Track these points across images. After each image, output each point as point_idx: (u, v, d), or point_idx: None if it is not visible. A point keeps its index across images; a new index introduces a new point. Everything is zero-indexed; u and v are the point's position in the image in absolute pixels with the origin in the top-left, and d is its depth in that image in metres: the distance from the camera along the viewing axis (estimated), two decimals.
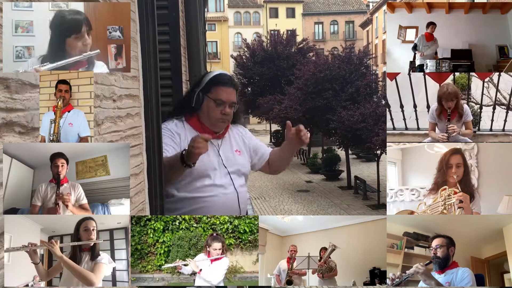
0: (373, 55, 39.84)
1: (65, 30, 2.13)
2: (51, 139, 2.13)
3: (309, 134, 3.53)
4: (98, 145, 2.38)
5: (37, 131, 1.96)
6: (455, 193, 3.05)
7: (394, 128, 4.09)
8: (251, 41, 47.69)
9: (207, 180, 3.38)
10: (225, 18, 69.03)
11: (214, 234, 2.97)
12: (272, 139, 42.30)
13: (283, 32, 44.56)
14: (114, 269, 2.46)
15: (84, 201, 2.35)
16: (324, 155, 29.39)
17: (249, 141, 3.77)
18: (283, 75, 39.03)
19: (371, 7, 62.14)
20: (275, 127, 43.42)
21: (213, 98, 3.45)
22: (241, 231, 3.23)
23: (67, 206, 2.30)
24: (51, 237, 2.39)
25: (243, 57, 43.50)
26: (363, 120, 22.22)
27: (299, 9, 71.47)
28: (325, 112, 26.38)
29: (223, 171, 3.45)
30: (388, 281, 2.86)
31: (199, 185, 3.37)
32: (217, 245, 2.91)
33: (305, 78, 28.29)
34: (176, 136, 3.44)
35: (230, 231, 3.22)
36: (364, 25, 65.04)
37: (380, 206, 20.44)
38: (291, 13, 71.46)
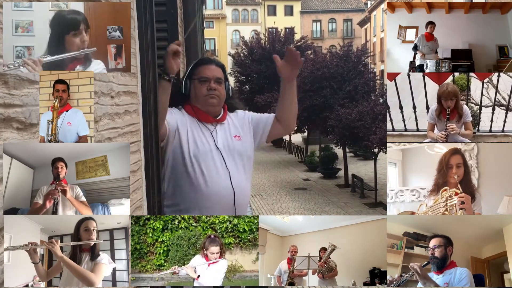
0: (371, 53, 39.91)
1: (63, 27, 2.15)
2: (49, 139, 2.13)
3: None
4: (98, 145, 2.39)
5: (35, 127, 1.96)
6: (456, 194, 3.04)
7: (393, 129, 4.09)
8: (249, 38, 47.69)
9: (203, 164, 3.37)
10: (223, 16, 69.01)
11: (212, 236, 2.93)
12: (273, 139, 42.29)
13: (281, 30, 44.58)
14: (114, 269, 2.46)
15: (83, 199, 2.36)
16: (322, 153, 29.39)
17: (249, 118, 3.76)
18: None
19: (369, 5, 62.11)
20: None
21: (197, 77, 3.54)
22: (241, 230, 3.23)
23: (65, 193, 2.30)
24: (51, 237, 2.39)
25: (241, 54, 43.50)
26: (361, 118, 22.25)
27: (297, 7, 71.49)
28: (323, 110, 26.40)
29: (220, 156, 3.45)
30: (389, 277, 2.86)
31: (194, 170, 3.37)
32: (214, 249, 2.88)
33: (303, 76, 28.26)
34: (172, 112, 3.46)
35: (229, 230, 3.22)
36: (362, 23, 65.05)
37: (377, 205, 20.48)
38: (289, 11, 71.46)
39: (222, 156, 3.43)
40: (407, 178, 3.68)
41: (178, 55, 3.26)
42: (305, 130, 33.13)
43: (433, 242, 2.84)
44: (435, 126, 3.65)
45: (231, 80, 43.25)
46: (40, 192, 2.29)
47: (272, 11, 71.17)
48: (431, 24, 4.23)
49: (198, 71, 3.55)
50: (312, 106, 27.27)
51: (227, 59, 52.53)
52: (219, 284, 2.88)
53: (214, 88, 3.50)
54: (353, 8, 71.99)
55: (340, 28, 71.74)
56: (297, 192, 23.98)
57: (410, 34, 4.34)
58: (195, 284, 2.89)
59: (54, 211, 2.30)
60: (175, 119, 3.40)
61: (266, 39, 42.96)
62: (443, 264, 2.79)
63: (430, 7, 4.44)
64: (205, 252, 2.90)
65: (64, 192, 2.32)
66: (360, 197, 22.52)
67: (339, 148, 26.91)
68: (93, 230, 2.39)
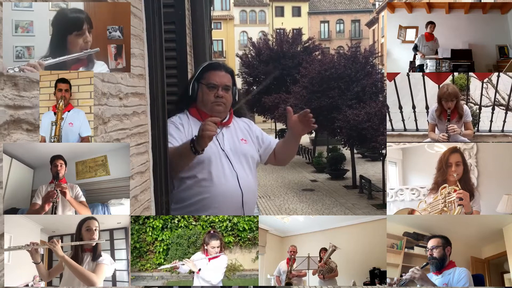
0: (379, 54, 39.81)
1: (66, 27, 2.13)
2: (52, 141, 2.13)
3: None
4: (98, 145, 2.39)
5: None
6: (455, 191, 3.06)
7: (392, 129, 4.09)
8: (256, 39, 47.72)
9: (211, 167, 3.39)
10: (231, 17, 69.01)
11: (212, 232, 2.95)
12: (278, 138, 42.21)
13: (289, 31, 44.51)
14: (114, 269, 2.46)
15: (83, 198, 2.35)
16: (329, 154, 29.39)
17: (255, 131, 3.80)
18: (288, 74, 38.98)
19: (377, 6, 61.97)
20: (280, 126, 43.45)
21: (205, 83, 3.55)
22: (240, 229, 3.23)
23: (64, 194, 2.30)
24: (51, 237, 2.39)
25: (249, 55, 43.57)
26: (369, 119, 22.22)
27: (305, 8, 71.40)
28: (331, 111, 26.35)
29: (226, 158, 3.46)
30: (388, 280, 2.86)
31: (202, 173, 3.39)
32: (215, 243, 2.90)
33: (310, 76, 28.26)
34: (180, 126, 3.51)
35: (229, 229, 3.22)
36: (370, 24, 64.86)
37: (385, 206, 20.36)
38: (297, 12, 71.37)
39: (229, 159, 3.44)
40: (407, 177, 3.68)
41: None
42: (313, 131, 33.06)
43: (431, 243, 2.84)
44: (436, 127, 3.66)
45: (239, 81, 43.39)
46: (38, 192, 2.28)
47: (280, 12, 71.08)
48: (431, 24, 4.24)
49: (207, 76, 3.57)
50: (319, 107, 27.23)
51: (235, 60, 52.54)
52: (219, 279, 2.88)
53: (222, 95, 3.52)
54: (361, 9, 71.84)
55: (348, 29, 71.61)
56: (305, 193, 23.97)
57: (410, 34, 4.34)
58: (196, 278, 2.89)
59: (53, 213, 2.29)
60: (185, 136, 3.44)
61: (274, 40, 42.97)
62: (441, 264, 2.79)
63: (430, 7, 4.44)
64: (205, 247, 2.91)
65: (63, 193, 2.31)
66: (368, 198, 22.50)
67: (346, 149, 26.91)
68: (95, 230, 2.39)
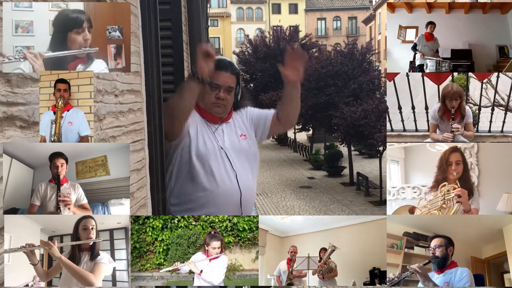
0: (376, 51, 39.83)
1: (67, 25, 2.13)
2: (52, 140, 2.12)
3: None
4: (98, 145, 2.38)
5: (38, 125, 1.96)
6: (454, 188, 3.08)
7: (392, 130, 4.09)
8: (253, 37, 47.64)
9: (211, 165, 3.36)
10: (227, 14, 68.98)
11: (212, 232, 2.94)
12: (274, 135, 42.30)
13: (286, 28, 44.49)
14: (114, 269, 2.45)
15: (84, 201, 2.34)
16: (327, 151, 29.39)
17: (251, 114, 3.73)
18: None
19: (374, 2, 61.97)
20: None
21: (209, 82, 3.41)
22: (240, 229, 3.23)
23: (69, 209, 2.29)
24: (51, 237, 2.39)
25: (246, 53, 43.49)
26: (366, 116, 22.26)
27: (301, 5, 71.42)
28: (328, 108, 26.38)
29: (226, 156, 3.43)
30: (391, 275, 2.87)
31: (202, 171, 3.36)
32: (216, 243, 2.89)
33: (307, 73, 28.26)
34: None
35: (229, 229, 3.22)
36: (367, 21, 64.89)
37: (382, 203, 20.46)
38: (293, 9, 71.39)
39: (228, 157, 3.42)
40: (409, 175, 3.70)
41: (210, 57, 3.22)
42: (310, 128, 33.13)
43: (434, 242, 2.84)
44: (437, 127, 3.67)
45: None
46: (37, 192, 2.27)
47: (277, 9, 71.12)
48: (431, 24, 4.23)
49: (212, 75, 3.44)
50: (317, 104, 27.27)
51: (232, 57, 52.46)
52: (221, 278, 2.88)
53: (223, 97, 3.46)
54: (358, 6, 71.93)
55: (344, 26, 71.65)
56: (302, 191, 23.99)
57: (410, 34, 4.34)
58: (196, 279, 2.89)
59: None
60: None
61: (271, 37, 42.96)
62: (444, 263, 2.80)
63: (430, 7, 4.43)
64: (206, 248, 2.90)
65: (67, 206, 2.30)
66: (365, 195, 22.54)
67: (344, 146, 26.94)
68: (92, 228, 2.37)
